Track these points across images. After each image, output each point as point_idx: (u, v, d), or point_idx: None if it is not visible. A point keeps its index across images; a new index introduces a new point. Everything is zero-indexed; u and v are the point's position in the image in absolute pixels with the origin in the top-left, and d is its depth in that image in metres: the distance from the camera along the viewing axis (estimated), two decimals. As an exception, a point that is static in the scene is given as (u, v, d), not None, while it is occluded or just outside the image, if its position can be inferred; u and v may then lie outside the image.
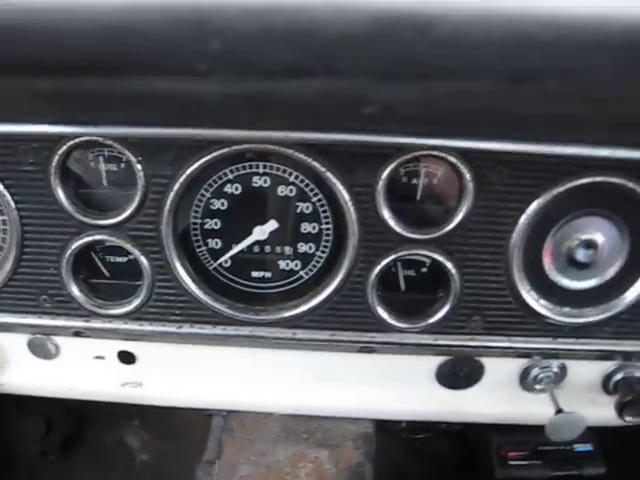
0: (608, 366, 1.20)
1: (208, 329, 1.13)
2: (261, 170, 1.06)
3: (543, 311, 1.11)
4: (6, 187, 1.03)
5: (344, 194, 1.02)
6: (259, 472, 1.21)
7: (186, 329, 1.12)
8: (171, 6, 0.57)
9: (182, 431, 1.74)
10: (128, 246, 1.07)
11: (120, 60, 0.59)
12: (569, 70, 0.59)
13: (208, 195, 1.08)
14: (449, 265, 1.07)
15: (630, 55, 0.58)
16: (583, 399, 1.21)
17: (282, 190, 1.07)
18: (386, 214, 1.03)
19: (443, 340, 1.13)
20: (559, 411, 1.13)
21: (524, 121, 0.69)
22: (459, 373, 1.20)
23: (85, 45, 0.58)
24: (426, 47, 0.58)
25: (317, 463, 1.22)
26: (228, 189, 1.08)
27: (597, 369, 1.21)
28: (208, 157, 1.01)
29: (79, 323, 1.13)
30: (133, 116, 0.79)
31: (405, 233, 1.05)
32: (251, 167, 1.06)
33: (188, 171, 1.02)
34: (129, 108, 0.72)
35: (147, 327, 1.13)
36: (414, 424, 1.51)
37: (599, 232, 1.09)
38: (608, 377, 1.21)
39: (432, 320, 1.11)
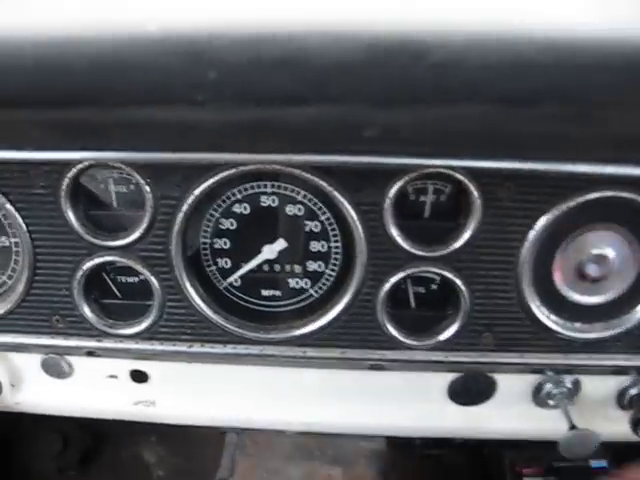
0: (622, 381, 1.19)
1: (219, 348, 1.13)
2: (269, 190, 1.07)
3: (554, 326, 1.11)
4: (17, 210, 1.05)
5: (351, 212, 1.03)
6: (272, 490, 1.21)
7: (197, 348, 1.13)
8: (168, 38, 0.57)
9: (198, 447, 1.74)
10: (138, 267, 1.08)
11: (117, 91, 0.60)
12: (567, 92, 0.59)
13: (217, 215, 1.09)
14: (458, 282, 1.07)
15: (629, 75, 0.58)
16: (597, 414, 1.20)
17: (290, 209, 1.08)
18: (394, 232, 1.03)
19: (454, 357, 1.12)
20: (572, 427, 1.12)
21: (525, 142, 0.69)
22: (471, 389, 1.19)
23: (83, 77, 0.58)
24: (422, 72, 0.58)
25: (330, 480, 1.22)
26: (237, 209, 1.08)
27: (611, 384, 1.20)
28: (216, 178, 1.02)
29: (91, 343, 1.14)
30: (135, 143, 0.80)
31: (413, 250, 1.05)
32: (259, 187, 1.07)
33: (196, 192, 1.02)
34: (129, 137, 0.73)
35: (158, 347, 1.13)
36: (428, 440, 1.51)
37: (609, 247, 1.08)
38: (622, 392, 1.19)
39: (442, 337, 1.11)
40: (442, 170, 1.00)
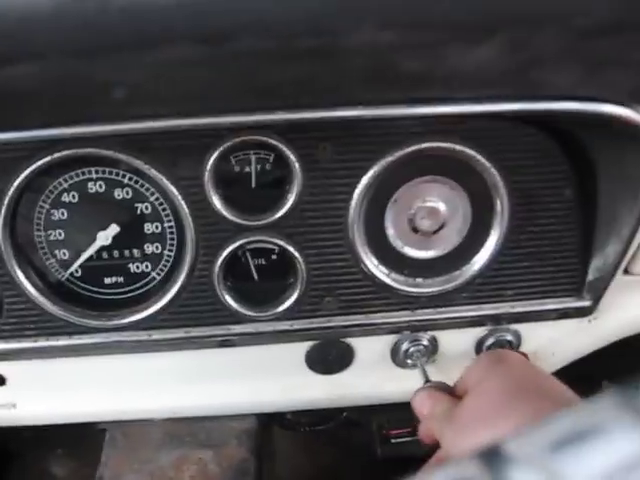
0: (479, 332, 1.20)
1: (64, 340, 1.12)
2: (94, 175, 1.07)
3: (395, 284, 1.11)
4: None
5: (172, 189, 1.03)
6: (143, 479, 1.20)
7: (42, 342, 1.12)
8: None
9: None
10: (-32, 264, 1.07)
11: None
12: (262, 24, 0.59)
13: (47, 206, 1.08)
14: (291, 249, 1.07)
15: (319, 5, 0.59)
16: (459, 369, 1.20)
17: (119, 193, 1.08)
18: (218, 204, 1.03)
19: (299, 325, 1.12)
20: (427, 381, 1.12)
21: (264, 85, 0.69)
22: (329, 357, 1.19)
23: None
24: (111, 16, 0.58)
25: (201, 464, 1.22)
26: (65, 198, 1.08)
27: (468, 337, 1.21)
28: (33, 167, 1.01)
29: None
30: None
31: (240, 221, 1.05)
32: (84, 173, 1.07)
33: (16, 183, 1.02)
34: None
35: (3, 345, 1.12)
36: (309, 416, 1.50)
37: (439, 199, 1.09)
38: (480, 343, 1.21)
39: (284, 306, 1.11)
40: (255, 137, 1.00)
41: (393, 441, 1.32)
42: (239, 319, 1.11)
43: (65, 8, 0.59)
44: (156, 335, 1.12)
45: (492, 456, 0.36)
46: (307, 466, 1.69)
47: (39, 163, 1.01)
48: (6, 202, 1.03)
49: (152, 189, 1.07)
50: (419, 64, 0.69)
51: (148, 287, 1.14)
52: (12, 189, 1.02)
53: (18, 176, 1.01)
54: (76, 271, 1.13)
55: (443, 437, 0.93)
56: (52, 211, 1.09)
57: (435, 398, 1.02)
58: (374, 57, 0.68)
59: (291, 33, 0.60)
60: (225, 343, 1.13)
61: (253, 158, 1.06)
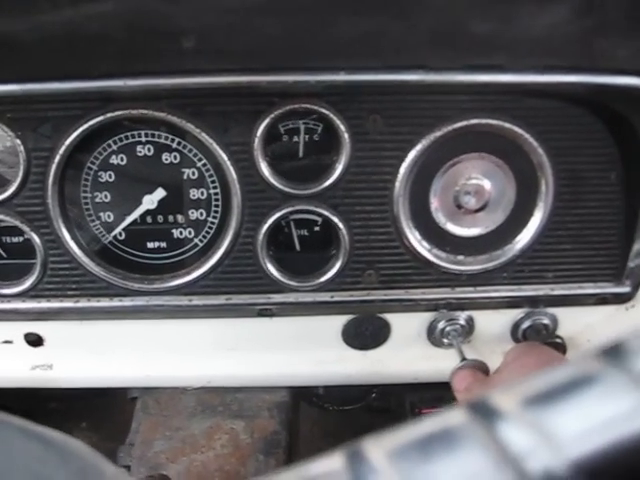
0: (516, 315, 1.19)
1: (105, 302, 1.13)
2: (143, 139, 1.07)
3: (436, 260, 1.11)
4: None
5: (221, 154, 1.03)
6: (174, 446, 1.20)
7: (83, 303, 1.13)
8: None
9: (129, 429, 1.72)
10: (17, 222, 1.08)
11: None
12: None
13: (95, 168, 1.09)
14: (336, 219, 1.08)
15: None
16: (494, 351, 1.21)
17: (166, 157, 1.08)
18: (266, 171, 1.04)
19: (339, 297, 1.13)
20: (463, 359, 1.12)
21: (337, 41, 0.70)
22: (365, 332, 1.19)
23: None
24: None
25: (233, 434, 1.22)
26: (114, 160, 1.09)
27: (505, 319, 1.20)
28: (84, 126, 1.02)
29: (-22, 305, 1.14)
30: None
31: (287, 189, 1.05)
32: (133, 136, 1.07)
33: (67, 142, 1.03)
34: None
35: (45, 304, 1.13)
36: (339, 395, 1.51)
37: (485, 177, 1.09)
38: (516, 326, 1.20)
39: (326, 277, 1.11)
40: (306, 106, 1.01)
41: (426, 420, 1.32)
42: (280, 288, 1.11)
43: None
44: (196, 301, 1.12)
45: (481, 408, 0.35)
46: (326, 446, 1.69)
47: (91, 123, 1.02)
48: (56, 161, 1.04)
49: (200, 155, 1.07)
50: (489, 25, 0.70)
51: (190, 253, 1.14)
52: (63, 148, 1.03)
53: (70, 135, 1.03)
54: (120, 234, 1.14)
55: None
56: (99, 173, 1.10)
57: (475, 375, 1.02)
58: (445, 16, 0.68)
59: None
60: (264, 312, 1.14)
61: (302, 127, 1.06)
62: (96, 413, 1.84)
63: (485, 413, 0.34)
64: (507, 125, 1.03)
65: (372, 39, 0.73)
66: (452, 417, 0.34)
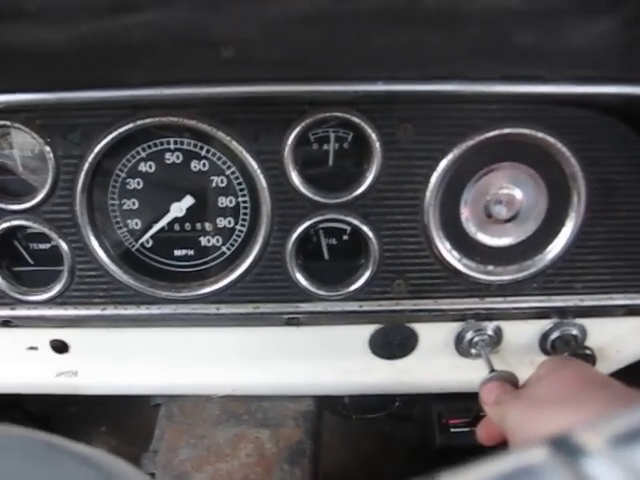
0: (544, 325, 1.18)
1: (132, 309, 1.12)
2: (172, 146, 1.07)
3: (466, 270, 1.10)
4: None
5: (251, 162, 1.03)
6: (199, 454, 1.20)
7: (110, 311, 1.12)
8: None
9: (149, 434, 1.72)
10: (45, 230, 1.08)
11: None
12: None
13: (123, 175, 1.09)
14: (365, 229, 1.07)
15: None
16: (521, 361, 1.20)
17: (195, 165, 1.08)
18: (296, 180, 1.03)
19: (368, 306, 1.12)
20: (492, 370, 1.11)
21: (376, 51, 0.69)
22: (392, 342, 1.18)
23: None
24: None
25: (258, 443, 1.21)
26: (142, 168, 1.08)
27: (533, 329, 1.19)
28: (114, 134, 1.01)
29: (5, 312, 1.14)
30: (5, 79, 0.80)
31: (317, 198, 1.05)
32: (162, 144, 1.07)
33: (96, 149, 1.02)
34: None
35: (72, 311, 1.13)
36: (363, 404, 1.50)
37: (516, 186, 1.08)
38: (545, 336, 1.19)
39: (355, 286, 1.10)
40: (338, 114, 1.00)
41: (452, 430, 1.32)
42: (308, 297, 1.11)
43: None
44: (224, 309, 1.12)
45: (564, 445, 0.33)
46: (347, 454, 1.69)
47: (121, 130, 1.01)
48: (85, 168, 1.03)
49: (229, 162, 1.07)
50: (532, 37, 0.69)
51: (218, 261, 1.14)
52: (92, 155, 1.03)
53: (99, 142, 1.02)
54: (147, 242, 1.13)
55: (508, 419, 0.92)
56: (128, 180, 1.09)
57: (503, 387, 1.01)
58: (490, 27, 0.67)
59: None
60: (292, 321, 1.13)
61: (332, 136, 1.06)
62: (115, 417, 1.84)
63: (569, 450, 0.33)
64: (540, 134, 1.02)
65: (412, 49, 0.72)
66: (533, 454, 0.33)
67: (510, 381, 1.06)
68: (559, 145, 1.03)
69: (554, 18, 0.67)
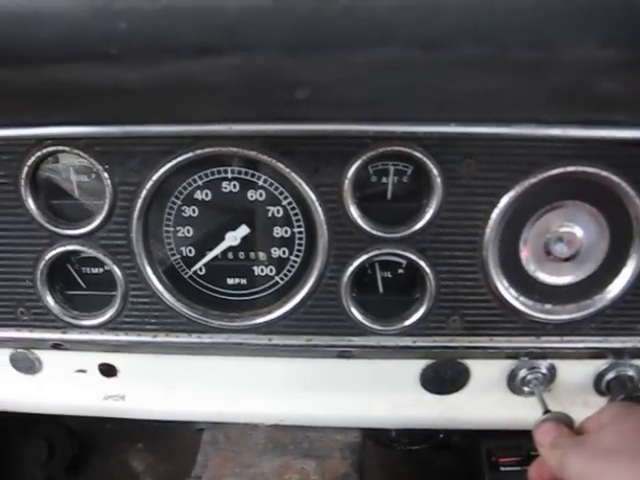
0: (599, 365, 1.16)
1: (183, 337, 1.12)
2: (230, 175, 1.06)
3: (523, 309, 1.08)
4: (-23, 200, 1.05)
5: (310, 194, 1.01)
6: (244, 484, 1.18)
7: (161, 338, 1.12)
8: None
9: (186, 453, 1.71)
10: (100, 255, 1.07)
11: (26, 49, 0.59)
12: (482, 31, 0.57)
13: (179, 202, 1.08)
14: (422, 264, 1.05)
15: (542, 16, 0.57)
16: (575, 401, 1.18)
17: (252, 194, 1.07)
18: (355, 213, 1.02)
19: (422, 342, 1.10)
20: (547, 411, 1.09)
21: (455, 95, 0.68)
22: (444, 377, 1.17)
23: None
24: (332, 15, 0.57)
25: (303, 474, 1.20)
26: (198, 196, 1.08)
27: (588, 369, 1.17)
28: (173, 162, 1.01)
29: (56, 335, 1.14)
30: (73, 113, 0.79)
31: (375, 232, 1.03)
32: (219, 172, 1.06)
33: (154, 177, 1.02)
34: (63, 104, 0.72)
35: (123, 337, 1.12)
36: (409, 435, 1.48)
37: (577, 225, 1.06)
38: (600, 377, 1.17)
39: (409, 322, 1.09)
40: (399, 149, 0.98)
41: (502, 469, 1.29)
42: (362, 331, 1.09)
43: (286, 4, 0.57)
44: (276, 340, 1.11)
45: None
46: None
47: (179, 159, 1.01)
48: (143, 195, 1.03)
49: (286, 193, 1.06)
50: (617, 85, 0.67)
51: (270, 291, 1.13)
52: (150, 183, 1.02)
53: (157, 171, 1.02)
54: (200, 269, 1.12)
55: (569, 466, 0.89)
56: (183, 208, 1.09)
57: (560, 430, 0.98)
58: (575, 74, 0.65)
59: (514, 42, 0.58)
60: (344, 354, 1.12)
61: (391, 169, 1.04)
62: (152, 435, 1.84)
63: None
64: (604, 173, 1.00)
65: (492, 95, 0.71)
66: None
67: (565, 423, 1.03)
68: (623, 184, 1.00)
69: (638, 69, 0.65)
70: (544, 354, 1.13)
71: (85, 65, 0.62)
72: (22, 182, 1.03)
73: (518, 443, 1.27)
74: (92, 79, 0.64)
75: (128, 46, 0.60)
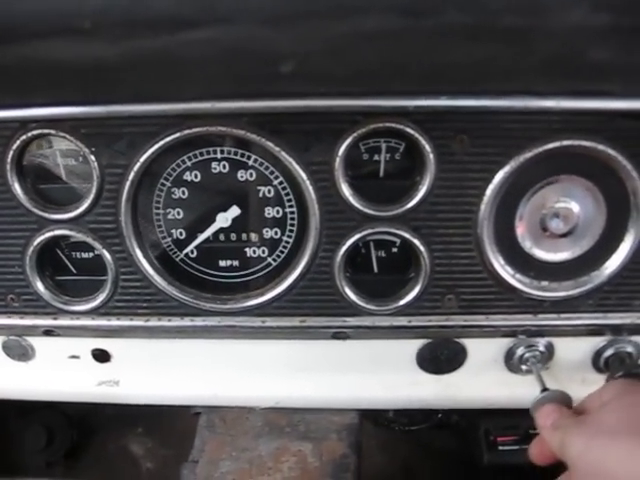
0: (597, 342, 1.15)
1: (176, 321, 1.10)
2: (219, 155, 1.04)
3: (520, 286, 1.07)
4: (-37, 185, 1.03)
5: (301, 173, 1.00)
6: (241, 467, 1.18)
7: (154, 322, 1.10)
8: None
9: (185, 437, 1.70)
10: (89, 239, 1.06)
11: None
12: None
13: (168, 184, 1.06)
14: (417, 242, 1.04)
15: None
16: (573, 379, 1.16)
17: (242, 175, 1.05)
18: (346, 191, 1.00)
19: (417, 321, 1.09)
20: (544, 389, 1.07)
21: (442, 67, 0.66)
22: (440, 356, 1.15)
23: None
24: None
25: (300, 456, 1.19)
26: (188, 177, 1.06)
27: (586, 346, 1.16)
28: (160, 143, 0.99)
29: (47, 321, 1.12)
30: (55, 92, 0.78)
31: (368, 211, 1.01)
32: (208, 153, 1.04)
33: (142, 159, 1.00)
34: (45, 82, 0.70)
35: (115, 322, 1.11)
36: (407, 416, 1.47)
37: (573, 200, 1.04)
38: (598, 354, 1.15)
39: (404, 301, 1.07)
40: (391, 125, 0.96)
41: (500, 448, 1.28)
42: (356, 311, 1.08)
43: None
44: (270, 322, 1.09)
45: None
46: (386, 462, 1.66)
47: (167, 140, 0.99)
48: (130, 178, 1.01)
49: (277, 173, 1.04)
50: (609, 53, 0.65)
51: (263, 272, 1.11)
52: (138, 165, 1.01)
53: (145, 152, 1.00)
54: (191, 252, 1.11)
55: (570, 446, 0.88)
56: (173, 189, 1.07)
57: (561, 411, 0.97)
58: (566, 43, 0.63)
59: (500, 9, 0.56)
60: (339, 335, 1.11)
61: (383, 146, 1.02)
62: (151, 419, 1.83)
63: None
64: (600, 147, 0.98)
65: (482, 65, 0.69)
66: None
67: (564, 402, 1.02)
68: (620, 158, 0.98)
69: (635, 36, 0.63)
70: (541, 332, 1.12)
71: (59, 40, 0.60)
72: (8, 167, 1.01)
73: (516, 422, 1.26)
74: (68, 55, 0.63)
75: (102, 20, 0.58)
